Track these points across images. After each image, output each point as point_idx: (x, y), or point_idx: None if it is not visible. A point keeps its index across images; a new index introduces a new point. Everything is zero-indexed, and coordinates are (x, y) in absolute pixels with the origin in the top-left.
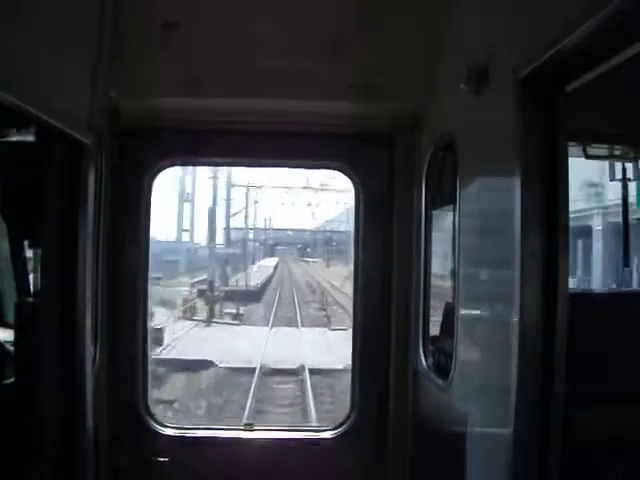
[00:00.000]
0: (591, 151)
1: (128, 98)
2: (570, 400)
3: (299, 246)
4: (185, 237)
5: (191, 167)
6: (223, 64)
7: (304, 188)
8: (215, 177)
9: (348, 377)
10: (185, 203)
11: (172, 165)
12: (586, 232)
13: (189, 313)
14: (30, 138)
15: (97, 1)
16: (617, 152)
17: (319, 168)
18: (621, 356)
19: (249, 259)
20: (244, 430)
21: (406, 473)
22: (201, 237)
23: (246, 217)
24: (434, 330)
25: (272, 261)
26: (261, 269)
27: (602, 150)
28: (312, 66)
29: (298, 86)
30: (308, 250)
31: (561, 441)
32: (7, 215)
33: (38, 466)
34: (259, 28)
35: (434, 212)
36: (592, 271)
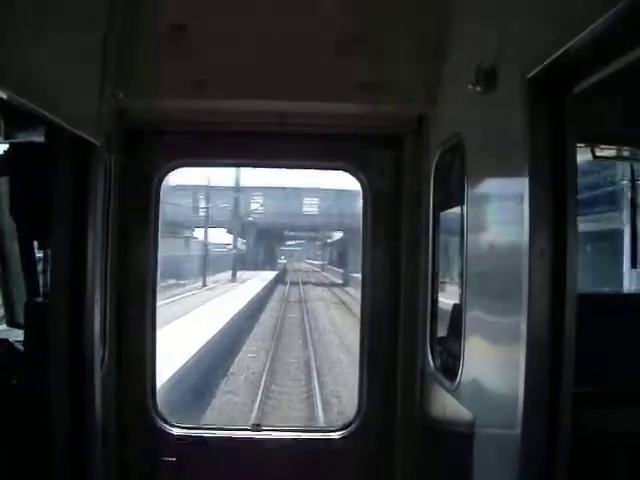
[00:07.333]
0: (599, 152)
1: (136, 100)
2: (578, 401)
3: (340, 236)
4: None
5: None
6: (230, 65)
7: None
8: None
9: None
10: None
11: (180, 166)
12: None
13: None
14: (40, 139)
15: (105, 4)
16: (625, 153)
17: (326, 169)
18: (630, 357)
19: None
20: (252, 430)
21: (414, 474)
22: None
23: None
24: (441, 331)
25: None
26: None
27: (610, 151)
28: (319, 67)
29: (305, 87)
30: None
31: (569, 443)
32: (17, 216)
33: (47, 464)
34: (265, 30)
35: (442, 213)
36: None
